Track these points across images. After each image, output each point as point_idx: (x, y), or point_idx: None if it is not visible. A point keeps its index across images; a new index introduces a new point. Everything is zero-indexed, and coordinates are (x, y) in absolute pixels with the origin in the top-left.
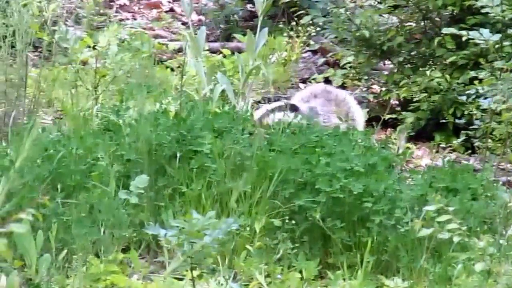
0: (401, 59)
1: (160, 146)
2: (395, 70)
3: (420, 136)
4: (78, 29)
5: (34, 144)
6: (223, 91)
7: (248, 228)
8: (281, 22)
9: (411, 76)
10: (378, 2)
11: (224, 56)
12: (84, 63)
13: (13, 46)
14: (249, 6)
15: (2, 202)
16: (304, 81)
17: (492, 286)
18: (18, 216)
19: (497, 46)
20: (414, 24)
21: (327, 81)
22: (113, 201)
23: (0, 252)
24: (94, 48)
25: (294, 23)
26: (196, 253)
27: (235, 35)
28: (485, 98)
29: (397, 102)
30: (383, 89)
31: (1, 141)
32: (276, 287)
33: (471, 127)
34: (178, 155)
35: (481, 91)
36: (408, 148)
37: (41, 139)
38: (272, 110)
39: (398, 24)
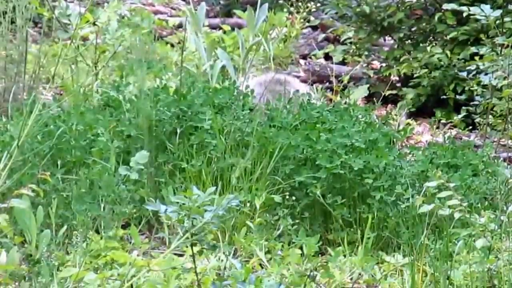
0: (401, 35)
1: (160, 122)
2: (396, 46)
3: (420, 112)
4: (78, 4)
5: (35, 120)
6: (223, 67)
7: (248, 204)
8: None
9: (411, 52)
10: None
11: (224, 32)
12: (84, 39)
13: (13, 22)
14: None
15: (3, 178)
16: (304, 57)
17: (493, 262)
18: (19, 191)
19: (497, 22)
20: (414, 0)
21: (328, 57)
22: (113, 177)
23: (0, 228)
24: (94, 24)
25: None
26: (197, 229)
27: (235, 11)
28: (486, 74)
29: (397, 78)
30: (384, 65)
31: (1, 116)
32: (277, 264)
33: (471, 103)
34: (178, 131)
35: (481, 67)
36: (408, 124)
37: (42, 115)
38: None
39: (398, 0)
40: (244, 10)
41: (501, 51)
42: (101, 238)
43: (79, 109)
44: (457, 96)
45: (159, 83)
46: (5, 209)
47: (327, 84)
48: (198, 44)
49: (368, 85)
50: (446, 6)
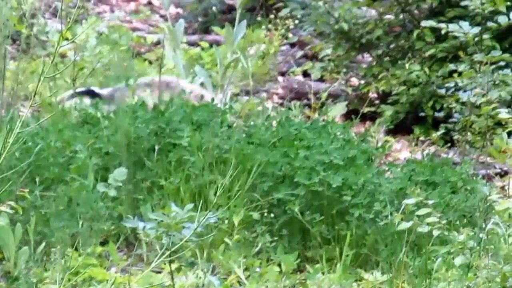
0: (380, 52)
1: (139, 139)
2: (374, 63)
3: (399, 129)
4: (56, 21)
5: (15, 138)
6: (201, 83)
7: (226, 221)
8: (259, 15)
9: (390, 69)
10: None
11: (203, 49)
12: (63, 55)
13: None
14: None
15: None
16: (282, 73)
17: (472, 280)
18: None
19: (476, 39)
20: (393, 17)
21: (306, 74)
22: (92, 194)
23: None
24: (72, 41)
25: (272, 16)
26: (175, 247)
27: (213, 28)
28: (465, 91)
29: (376, 95)
30: (362, 82)
31: None
32: (255, 281)
33: (450, 120)
34: (156, 148)
35: (460, 84)
36: (387, 141)
37: (21, 132)
38: (73, 95)
39: (377, 17)
40: (223, 27)
41: (479, 68)
42: (80, 255)
43: (57, 126)
44: (436, 113)
45: (137, 100)
46: None
47: (305, 101)
48: (176, 61)
49: (346, 102)
50: (424, 23)
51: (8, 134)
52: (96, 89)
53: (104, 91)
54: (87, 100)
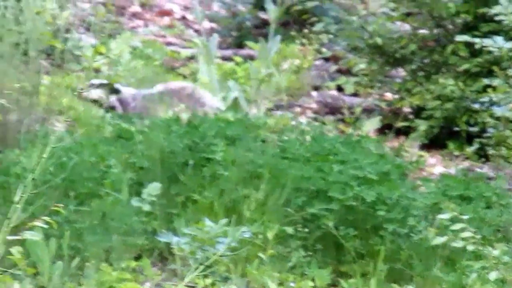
0: (414, 66)
1: (173, 153)
2: (408, 78)
3: (433, 144)
4: (90, 36)
5: (49, 153)
6: (235, 98)
7: (260, 236)
8: (293, 30)
9: (424, 83)
10: (391, 10)
11: (236, 64)
12: (97, 70)
13: (25, 54)
14: (261, 13)
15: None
16: (316, 88)
17: None
18: (32, 223)
19: (510, 53)
20: (427, 32)
21: (340, 88)
22: (126, 208)
23: (13, 260)
24: (105, 55)
25: (306, 30)
26: (209, 261)
27: (247, 42)
28: (499, 106)
29: (410, 110)
30: (396, 96)
31: (13, 148)
32: None
33: (484, 135)
34: (190, 162)
35: (494, 99)
36: (421, 156)
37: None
38: (95, 86)
39: (411, 31)
40: (256, 42)
41: None
42: (113, 269)
43: (91, 140)
44: (470, 128)
45: (172, 114)
46: (18, 241)
47: (339, 115)
48: (210, 76)
49: (380, 117)
50: (458, 38)
51: (43, 149)
52: (120, 87)
53: (127, 90)
54: (110, 96)
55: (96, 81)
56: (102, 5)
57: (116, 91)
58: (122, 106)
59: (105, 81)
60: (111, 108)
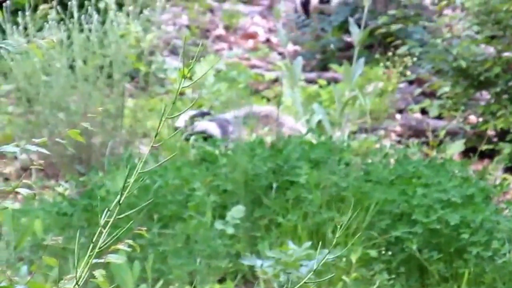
0: (498, 89)
1: (257, 176)
2: (492, 101)
3: None
4: (174, 59)
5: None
6: (319, 121)
7: (344, 259)
8: (377, 53)
9: (508, 106)
10: (476, 33)
11: (320, 87)
12: (181, 93)
13: (110, 77)
14: (345, 36)
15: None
16: (400, 111)
17: None
18: (115, 246)
19: None
20: (511, 55)
21: (424, 111)
22: (210, 231)
23: (97, 283)
24: (190, 78)
25: (390, 53)
26: (293, 284)
27: (331, 65)
28: None
29: (494, 133)
30: (480, 119)
31: (97, 171)
32: None
33: None
34: (274, 185)
35: None
36: (505, 179)
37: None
38: (192, 117)
39: (495, 54)
40: (340, 65)
41: None
42: None
43: (175, 163)
44: None
45: (256, 137)
46: (102, 264)
47: (423, 138)
48: (295, 98)
49: (464, 140)
50: None
51: (130, 173)
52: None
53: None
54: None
55: (194, 112)
56: (187, 28)
57: (206, 113)
58: (222, 130)
59: (205, 110)
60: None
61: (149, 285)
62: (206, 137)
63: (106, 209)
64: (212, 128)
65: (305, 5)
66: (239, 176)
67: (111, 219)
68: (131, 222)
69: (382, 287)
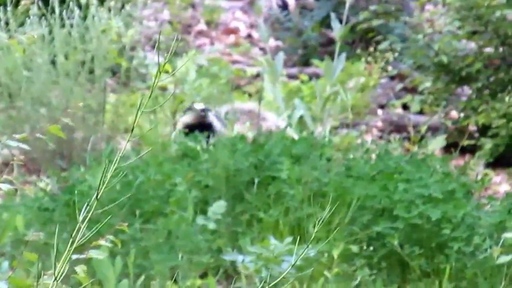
0: (479, 85)
1: (238, 172)
2: (474, 96)
3: (498, 162)
4: (155, 54)
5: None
6: (301, 116)
7: (326, 255)
8: (358, 48)
9: (489, 102)
10: (457, 28)
11: (302, 82)
12: (163, 89)
13: (91, 72)
14: (327, 31)
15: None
16: (382, 106)
17: None
18: (97, 242)
19: None
20: (492, 50)
21: (405, 106)
22: (191, 227)
23: (79, 278)
24: (170, 72)
25: (372, 49)
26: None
27: (312, 60)
28: None
29: (475, 128)
30: (462, 115)
31: (79, 166)
32: None
33: None
34: (255, 181)
35: None
36: (486, 174)
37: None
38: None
39: (476, 50)
40: (322, 60)
41: None
42: (179, 287)
43: (157, 159)
44: None
45: (237, 133)
46: (84, 260)
47: (405, 134)
48: (276, 94)
49: (445, 135)
50: None
51: (108, 167)
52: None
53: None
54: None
55: (196, 105)
56: (168, 23)
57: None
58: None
59: (205, 106)
60: (206, 127)
61: (131, 281)
62: (211, 131)
63: (85, 204)
64: (216, 122)
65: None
66: (221, 171)
67: (89, 214)
68: (109, 217)
69: (364, 282)
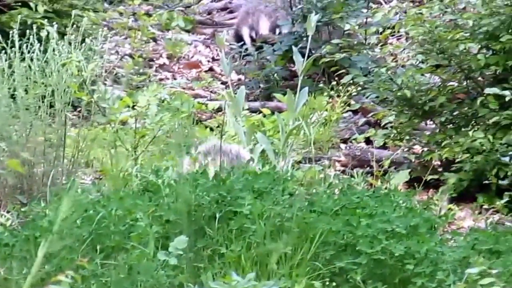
0: (443, 119)
1: (200, 206)
2: (437, 130)
3: (462, 197)
4: (117, 88)
5: (74, 205)
6: (263, 151)
7: None
8: (321, 82)
9: (453, 136)
10: (420, 62)
11: (264, 116)
12: (124, 123)
13: (52, 106)
14: (289, 65)
15: (42, 264)
16: (345, 141)
17: None
18: (57, 278)
19: None
20: (456, 84)
21: (368, 141)
22: (152, 262)
23: None
24: (133, 108)
25: (334, 82)
26: None
27: (275, 94)
28: None
29: (439, 163)
30: (425, 149)
31: (40, 201)
32: None
33: None
34: (217, 216)
35: None
36: (450, 209)
37: (81, 200)
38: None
39: (440, 83)
40: (284, 94)
41: None
42: None
43: (118, 194)
44: (500, 181)
45: (198, 167)
46: None
47: (368, 168)
48: (238, 128)
49: (409, 170)
50: (488, 90)
51: (69, 202)
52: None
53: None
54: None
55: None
56: (130, 57)
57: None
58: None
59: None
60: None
61: None
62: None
63: (45, 239)
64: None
65: (252, 37)
66: (182, 206)
67: (49, 250)
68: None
69: None
